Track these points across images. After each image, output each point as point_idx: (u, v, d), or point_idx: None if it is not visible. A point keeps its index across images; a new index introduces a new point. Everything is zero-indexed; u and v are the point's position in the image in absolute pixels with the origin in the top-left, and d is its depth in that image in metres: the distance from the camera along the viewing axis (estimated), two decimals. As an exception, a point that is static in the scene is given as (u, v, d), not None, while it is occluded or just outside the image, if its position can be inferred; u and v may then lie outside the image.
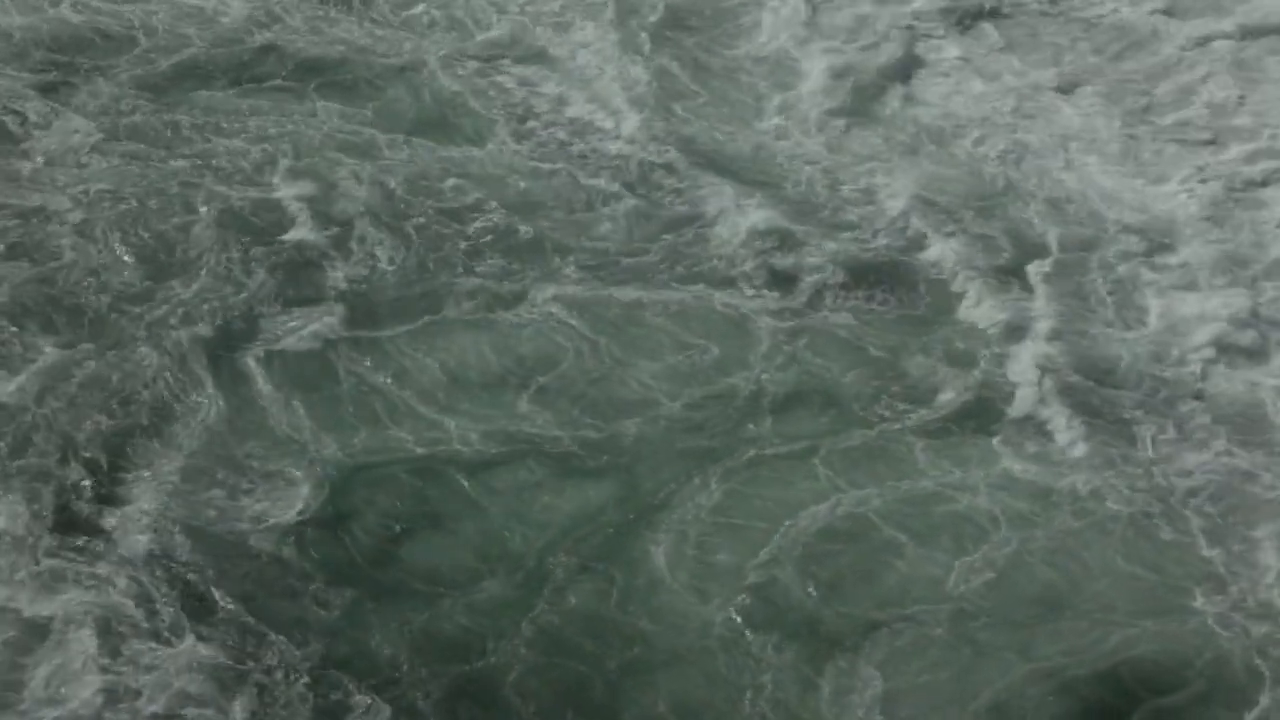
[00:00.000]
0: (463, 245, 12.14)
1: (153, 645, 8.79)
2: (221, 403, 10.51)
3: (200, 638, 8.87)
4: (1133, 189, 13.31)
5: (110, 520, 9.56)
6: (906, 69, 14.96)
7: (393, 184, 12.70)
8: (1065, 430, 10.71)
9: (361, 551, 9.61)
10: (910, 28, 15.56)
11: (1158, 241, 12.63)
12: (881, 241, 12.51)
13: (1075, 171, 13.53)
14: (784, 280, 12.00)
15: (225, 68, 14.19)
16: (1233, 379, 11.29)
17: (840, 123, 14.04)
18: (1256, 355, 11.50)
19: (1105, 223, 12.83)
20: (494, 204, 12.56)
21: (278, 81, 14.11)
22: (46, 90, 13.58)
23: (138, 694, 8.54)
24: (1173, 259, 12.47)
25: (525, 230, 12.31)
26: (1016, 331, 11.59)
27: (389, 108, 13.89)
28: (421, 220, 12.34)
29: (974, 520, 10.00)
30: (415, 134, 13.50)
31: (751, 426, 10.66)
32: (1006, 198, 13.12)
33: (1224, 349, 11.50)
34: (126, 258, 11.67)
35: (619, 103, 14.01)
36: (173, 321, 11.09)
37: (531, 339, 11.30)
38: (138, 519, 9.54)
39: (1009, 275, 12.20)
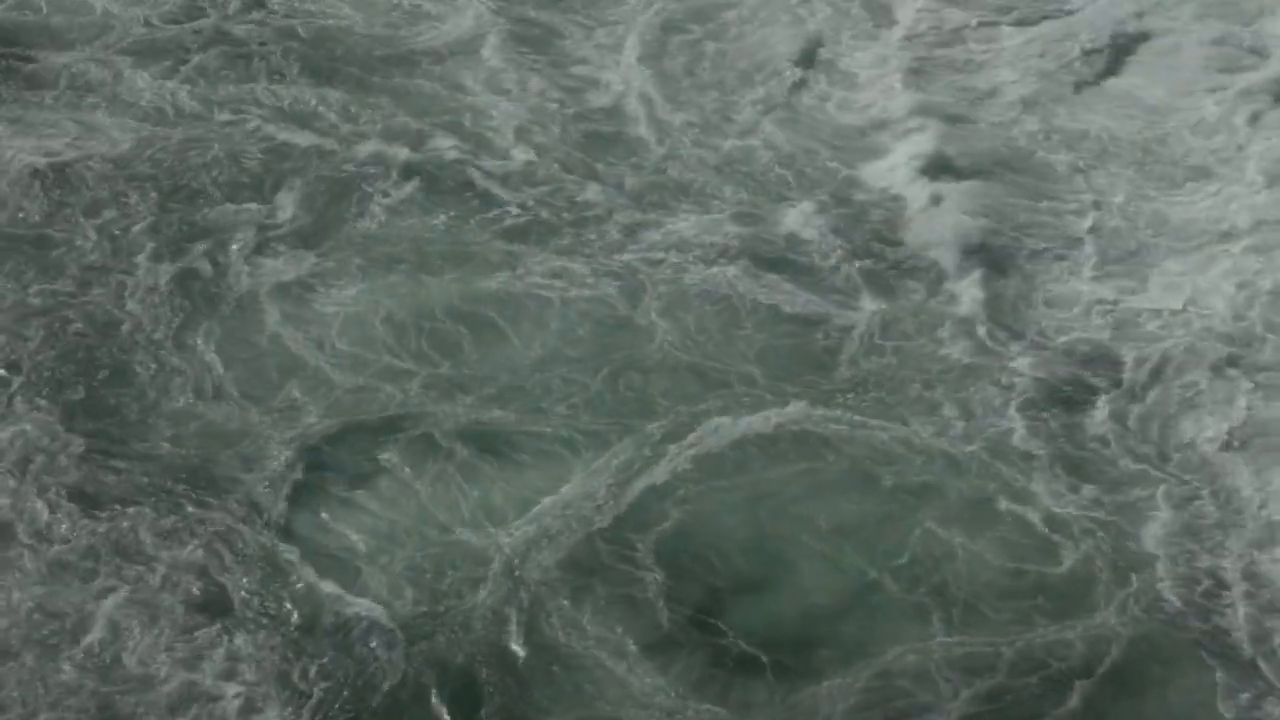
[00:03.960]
0: (481, 221, 12.33)
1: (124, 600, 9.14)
2: (206, 359, 10.84)
3: (156, 604, 9.20)
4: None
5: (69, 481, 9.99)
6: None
7: (394, 159, 12.98)
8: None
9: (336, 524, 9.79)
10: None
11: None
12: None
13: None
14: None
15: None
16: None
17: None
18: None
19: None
20: (511, 178, 12.82)
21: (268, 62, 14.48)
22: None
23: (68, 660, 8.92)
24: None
25: (532, 210, 12.46)
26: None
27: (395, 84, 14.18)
28: (430, 192, 12.63)
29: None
30: (417, 117, 13.65)
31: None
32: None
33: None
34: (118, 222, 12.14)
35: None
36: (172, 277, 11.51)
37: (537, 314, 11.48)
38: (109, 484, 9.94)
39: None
